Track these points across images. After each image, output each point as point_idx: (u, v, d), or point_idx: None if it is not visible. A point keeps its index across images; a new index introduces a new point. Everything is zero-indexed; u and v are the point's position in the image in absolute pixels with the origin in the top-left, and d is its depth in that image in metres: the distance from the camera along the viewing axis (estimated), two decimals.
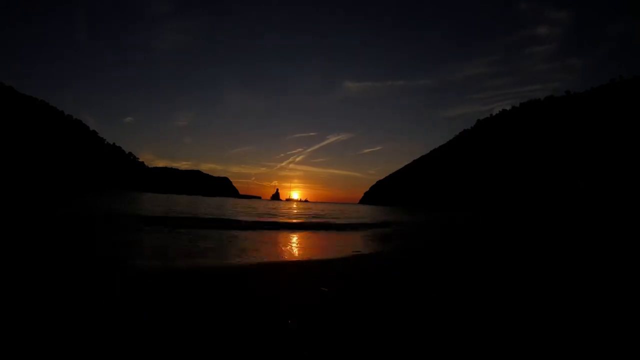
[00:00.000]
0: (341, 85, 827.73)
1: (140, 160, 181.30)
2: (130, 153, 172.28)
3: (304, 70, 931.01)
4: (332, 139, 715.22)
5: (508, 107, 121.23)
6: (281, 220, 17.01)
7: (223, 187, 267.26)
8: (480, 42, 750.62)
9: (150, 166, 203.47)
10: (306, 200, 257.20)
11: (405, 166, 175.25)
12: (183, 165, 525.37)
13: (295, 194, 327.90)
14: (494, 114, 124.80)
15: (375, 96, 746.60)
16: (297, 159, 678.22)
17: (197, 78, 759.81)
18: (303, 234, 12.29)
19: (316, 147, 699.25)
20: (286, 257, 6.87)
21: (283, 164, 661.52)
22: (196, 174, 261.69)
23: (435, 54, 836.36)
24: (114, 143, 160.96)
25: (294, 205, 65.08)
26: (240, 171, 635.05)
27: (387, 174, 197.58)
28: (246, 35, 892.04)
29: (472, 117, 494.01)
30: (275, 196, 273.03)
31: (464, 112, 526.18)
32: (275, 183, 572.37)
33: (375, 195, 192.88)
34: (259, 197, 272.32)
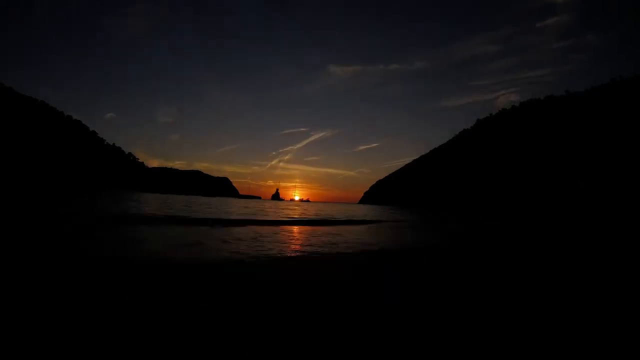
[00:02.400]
0: (326, 70, 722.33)
1: (140, 160, 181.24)
2: (130, 153, 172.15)
3: (283, 55, 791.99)
4: (323, 134, 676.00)
5: (512, 97, 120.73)
6: None
7: (223, 187, 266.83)
8: (483, 15, 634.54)
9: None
10: (307, 200, 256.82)
11: (406, 165, 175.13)
12: (177, 164, 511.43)
13: (296, 195, 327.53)
14: (497, 104, 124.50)
15: (367, 83, 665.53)
16: (290, 157, 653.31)
17: (171, 70, 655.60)
18: None
19: (307, 142, 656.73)
20: None
21: (273, 162, 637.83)
22: (196, 174, 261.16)
23: (431, 30, 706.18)
24: (113, 144, 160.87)
25: (299, 206, 65.03)
26: (234, 170, 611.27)
27: (386, 173, 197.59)
28: (212, 20, 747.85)
29: (474, 107, 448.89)
30: (276, 196, 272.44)
31: (465, 102, 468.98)
32: (270, 182, 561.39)
33: (375, 194, 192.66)
34: (259, 197, 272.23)
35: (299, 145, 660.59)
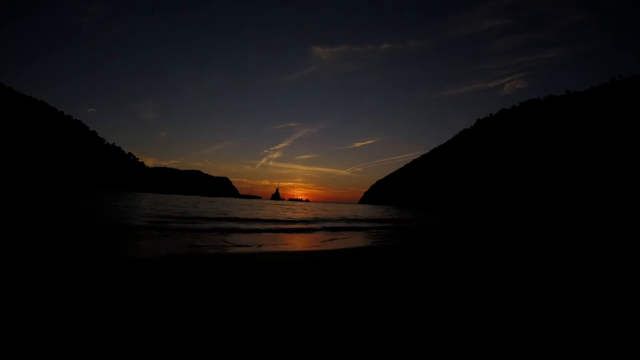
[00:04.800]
0: (309, 52, 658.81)
1: (140, 160, 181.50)
2: (130, 153, 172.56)
3: (265, 42, 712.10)
4: (312, 130, 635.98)
5: (519, 84, 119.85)
6: None
7: (223, 187, 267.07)
8: None
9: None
10: (307, 200, 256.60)
11: (406, 165, 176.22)
12: (172, 163, 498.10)
13: (299, 196, 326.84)
14: (503, 92, 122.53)
15: (356, 68, 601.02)
16: (280, 155, 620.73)
17: (148, 62, 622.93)
18: None
19: (296, 138, 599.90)
20: None
21: (263, 161, 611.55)
22: (196, 174, 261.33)
23: (427, 2, 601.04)
24: (113, 144, 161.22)
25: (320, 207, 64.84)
26: (228, 169, 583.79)
27: (381, 173, 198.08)
28: (189, 14, 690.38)
29: (477, 97, 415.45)
30: (276, 196, 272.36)
31: (467, 91, 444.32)
32: (266, 182, 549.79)
33: (376, 194, 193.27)
34: (259, 197, 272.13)
35: (288, 142, 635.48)
